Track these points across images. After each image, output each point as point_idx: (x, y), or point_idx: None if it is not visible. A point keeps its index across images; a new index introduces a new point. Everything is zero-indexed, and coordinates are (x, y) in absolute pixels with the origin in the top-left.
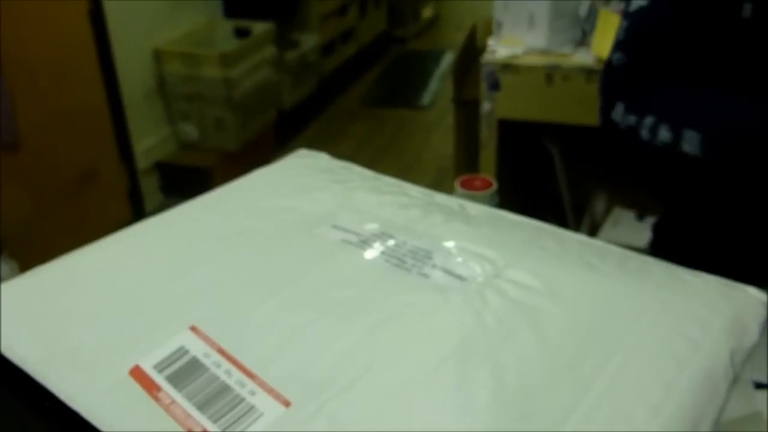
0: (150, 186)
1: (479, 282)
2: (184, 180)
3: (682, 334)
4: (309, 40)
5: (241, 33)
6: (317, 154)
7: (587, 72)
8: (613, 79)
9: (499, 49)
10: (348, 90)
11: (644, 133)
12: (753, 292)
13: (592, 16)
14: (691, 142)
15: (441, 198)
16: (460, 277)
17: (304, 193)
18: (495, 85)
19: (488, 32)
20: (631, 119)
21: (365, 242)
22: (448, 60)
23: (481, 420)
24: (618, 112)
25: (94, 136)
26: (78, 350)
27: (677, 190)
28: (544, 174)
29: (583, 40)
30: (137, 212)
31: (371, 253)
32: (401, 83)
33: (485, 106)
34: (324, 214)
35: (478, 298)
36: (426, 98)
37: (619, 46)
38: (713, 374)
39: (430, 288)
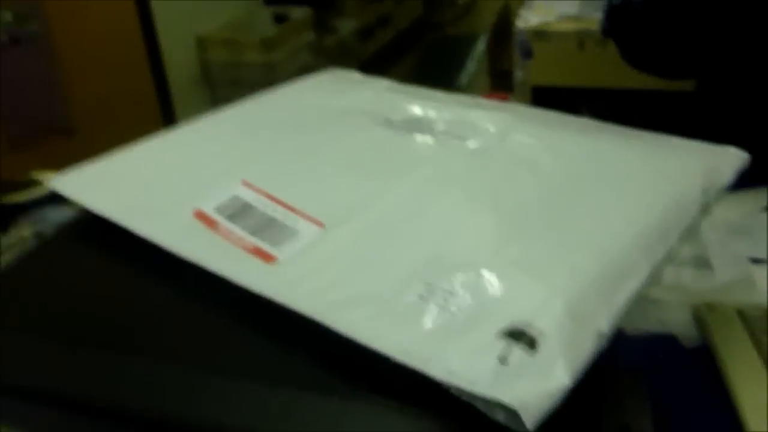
0: None
1: (490, 144)
2: None
3: (661, 171)
4: (347, 26)
5: (280, 19)
6: (347, 71)
7: None
8: None
9: (531, 17)
10: (386, 76)
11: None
12: (733, 149)
13: None
14: None
15: (456, 97)
16: (470, 141)
17: (339, 97)
18: (528, 53)
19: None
20: None
21: (392, 123)
22: (483, 43)
23: (484, 230)
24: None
25: (143, 122)
26: (152, 201)
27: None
28: None
29: None
30: None
31: (398, 129)
32: (438, 67)
33: (518, 75)
34: (356, 109)
35: (488, 155)
36: (462, 79)
37: None
38: (684, 200)
39: (443, 149)
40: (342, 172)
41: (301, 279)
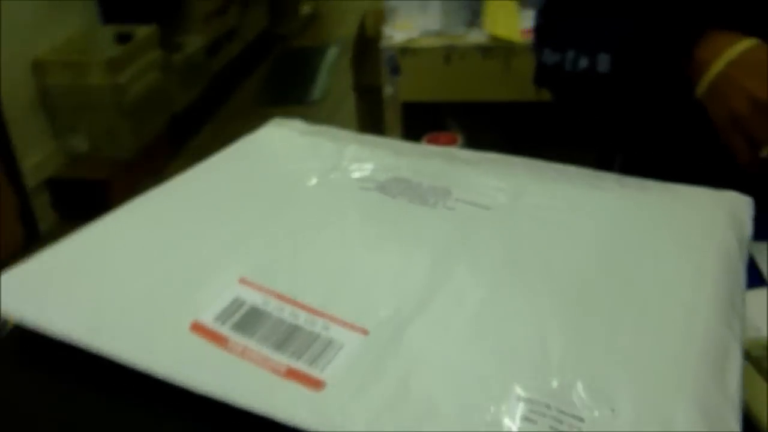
0: (42, 205)
1: (504, 208)
2: (79, 195)
3: (695, 229)
4: (194, 42)
5: (123, 38)
6: (292, 121)
7: (483, 49)
8: (538, 29)
9: (396, 33)
10: (238, 90)
11: (567, 65)
12: (736, 194)
13: None
14: (603, 63)
15: (429, 148)
16: (485, 207)
17: (301, 151)
18: (396, 70)
19: (377, 21)
20: (556, 57)
21: (383, 187)
22: (333, 54)
23: (554, 321)
24: (546, 55)
25: None
26: (128, 315)
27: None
28: None
29: (474, 21)
30: (31, 235)
31: (392, 195)
32: (290, 80)
33: (388, 91)
34: (330, 167)
35: (509, 220)
36: (316, 93)
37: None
38: (731, 257)
39: (460, 218)
40: (356, 254)
41: (365, 407)
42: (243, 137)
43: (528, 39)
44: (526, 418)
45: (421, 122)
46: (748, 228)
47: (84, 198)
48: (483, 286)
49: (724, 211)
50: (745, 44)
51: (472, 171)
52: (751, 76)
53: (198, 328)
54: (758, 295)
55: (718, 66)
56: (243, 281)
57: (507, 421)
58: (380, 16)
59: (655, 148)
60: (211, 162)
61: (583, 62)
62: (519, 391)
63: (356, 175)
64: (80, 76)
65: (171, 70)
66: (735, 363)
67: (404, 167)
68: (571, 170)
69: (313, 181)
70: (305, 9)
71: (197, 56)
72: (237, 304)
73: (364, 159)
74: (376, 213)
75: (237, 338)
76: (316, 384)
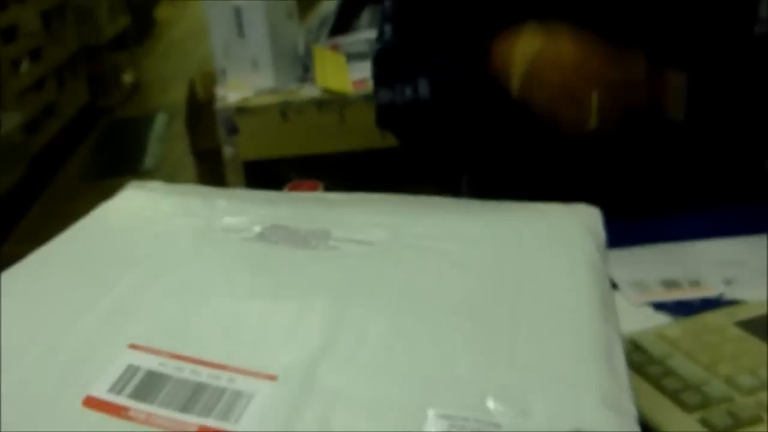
0: None
1: (386, 242)
2: None
3: (560, 240)
4: (10, 120)
5: None
6: (150, 182)
7: (318, 103)
8: (374, 76)
9: (229, 94)
10: (63, 168)
11: (397, 100)
12: (585, 206)
13: (309, 52)
14: (423, 88)
15: (298, 194)
16: (367, 243)
17: (170, 210)
18: (234, 129)
19: (207, 84)
20: (388, 95)
21: (262, 236)
22: (161, 122)
23: (457, 342)
24: (382, 96)
25: None
26: (13, 399)
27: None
28: None
29: (306, 76)
30: None
31: (273, 242)
32: (119, 152)
33: (227, 151)
34: (204, 223)
35: (393, 253)
36: (149, 162)
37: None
38: (594, 261)
39: (345, 256)
40: (248, 305)
41: None
42: (101, 204)
43: (359, 90)
44: None
45: (265, 180)
46: (602, 235)
47: None
48: (382, 318)
49: (580, 222)
50: (540, 38)
51: (347, 211)
52: (550, 67)
53: (92, 402)
54: None
55: (517, 66)
56: (133, 347)
57: None
58: (210, 79)
59: (494, 162)
60: (73, 231)
61: (408, 91)
62: (437, 410)
63: (232, 227)
64: None
65: None
66: (619, 352)
67: (279, 215)
68: (439, 201)
69: (189, 238)
70: (127, 78)
71: (15, 135)
72: (131, 370)
73: (236, 212)
74: (260, 262)
75: (138, 406)
76: None
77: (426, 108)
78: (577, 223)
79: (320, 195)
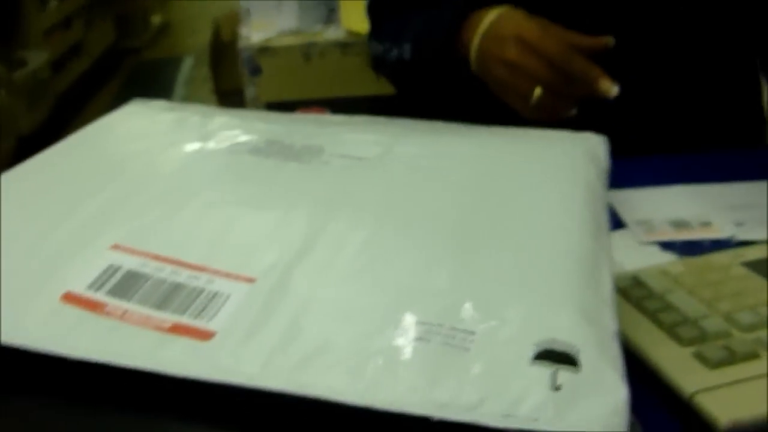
0: None
1: (378, 158)
2: None
3: (558, 163)
4: (37, 57)
5: None
6: (153, 101)
7: (342, 45)
8: (369, 24)
9: (253, 34)
10: (88, 108)
11: (386, 55)
12: (591, 134)
13: None
14: (406, 52)
15: (298, 115)
16: (359, 158)
17: (166, 125)
18: (256, 70)
19: (232, 25)
20: (379, 48)
21: (256, 149)
22: (187, 65)
23: (437, 253)
24: (374, 47)
25: None
26: None
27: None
28: None
29: (331, 18)
30: None
31: (265, 156)
32: (143, 93)
33: (250, 92)
34: (198, 137)
35: (384, 168)
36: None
37: None
38: (592, 185)
39: (335, 170)
40: (233, 212)
41: (258, 350)
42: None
43: None
44: (419, 338)
45: None
46: (605, 161)
47: None
48: (363, 228)
49: (582, 147)
50: (491, 15)
51: (343, 129)
52: (497, 42)
53: (70, 297)
54: (618, 235)
55: (475, 42)
56: (116, 247)
57: (401, 343)
58: (234, 20)
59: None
60: (69, 141)
61: (395, 52)
62: (410, 316)
63: (226, 141)
64: None
65: (14, 88)
66: (606, 271)
67: (275, 131)
68: (440, 125)
69: (181, 150)
70: (155, 20)
71: (42, 72)
72: (112, 270)
73: (232, 127)
74: (249, 173)
75: (114, 302)
76: (203, 335)
77: (409, 68)
78: (579, 148)
79: (320, 116)
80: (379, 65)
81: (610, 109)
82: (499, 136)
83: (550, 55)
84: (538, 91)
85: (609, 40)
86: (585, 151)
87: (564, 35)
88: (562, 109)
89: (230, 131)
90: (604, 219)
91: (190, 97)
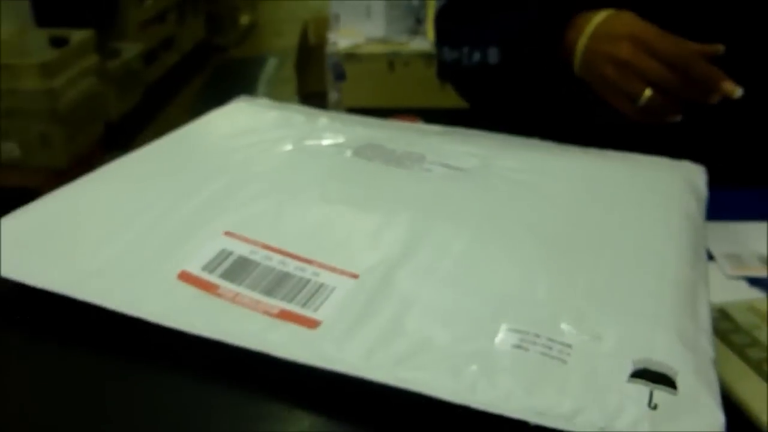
0: None
1: (478, 170)
2: (9, 203)
3: (658, 189)
4: (131, 49)
5: (58, 42)
6: (258, 99)
7: (426, 57)
8: (437, 31)
9: (340, 40)
10: (174, 100)
11: (464, 60)
12: (690, 163)
13: (423, 5)
14: (492, 56)
15: (398, 122)
16: (459, 168)
17: (273, 122)
18: (341, 75)
19: (319, 29)
20: (455, 54)
21: (358, 152)
22: (272, 65)
23: (536, 266)
24: (446, 53)
25: None
26: (115, 266)
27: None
28: None
29: (417, 29)
30: None
31: (369, 159)
32: (229, 90)
33: (333, 96)
34: (303, 135)
35: (484, 180)
36: None
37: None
38: (691, 213)
39: (437, 178)
40: (337, 210)
41: (361, 342)
42: (210, 112)
43: None
44: (517, 346)
45: None
46: (704, 192)
47: (14, 207)
48: (465, 236)
49: (681, 175)
50: (600, 16)
51: (443, 140)
52: (608, 41)
53: (186, 276)
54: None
55: (582, 43)
56: (228, 234)
57: (499, 349)
58: (322, 24)
59: (563, 127)
60: (182, 131)
61: (476, 56)
62: (509, 323)
63: (330, 141)
64: (12, 80)
65: (107, 76)
66: (703, 300)
67: (377, 136)
68: (534, 141)
69: (288, 147)
70: (244, 19)
71: (134, 63)
72: (224, 254)
73: (336, 129)
74: (353, 174)
75: (227, 285)
76: (310, 323)
77: (494, 72)
78: (679, 176)
79: (418, 125)
80: (451, 72)
81: (704, 135)
82: (597, 156)
83: (670, 56)
84: (648, 92)
85: (720, 48)
86: (685, 180)
87: (677, 38)
88: (669, 113)
89: (333, 132)
90: (702, 249)
91: (272, 97)
